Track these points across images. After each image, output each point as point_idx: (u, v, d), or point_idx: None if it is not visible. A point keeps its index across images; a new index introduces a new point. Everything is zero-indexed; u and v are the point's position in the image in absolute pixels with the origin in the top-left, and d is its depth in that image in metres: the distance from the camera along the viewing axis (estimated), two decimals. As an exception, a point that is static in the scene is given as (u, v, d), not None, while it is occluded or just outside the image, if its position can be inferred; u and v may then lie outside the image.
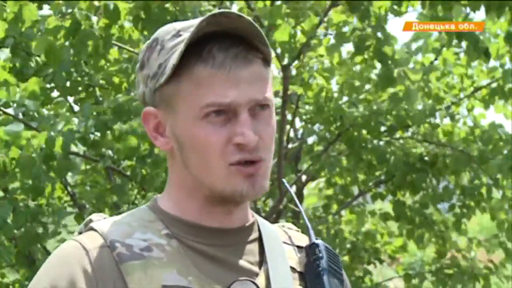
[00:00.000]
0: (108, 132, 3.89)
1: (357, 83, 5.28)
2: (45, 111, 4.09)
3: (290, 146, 5.88)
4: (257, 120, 1.34)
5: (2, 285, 4.80)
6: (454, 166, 5.49)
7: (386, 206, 6.39)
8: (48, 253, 4.97)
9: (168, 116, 1.36)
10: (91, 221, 1.40)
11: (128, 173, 4.44)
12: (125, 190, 4.43)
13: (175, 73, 1.33)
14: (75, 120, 3.75)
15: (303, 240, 1.49)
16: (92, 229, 1.37)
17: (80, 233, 1.40)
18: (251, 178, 1.33)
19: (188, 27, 1.36)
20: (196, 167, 1.35)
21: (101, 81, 4.47)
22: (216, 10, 1.34)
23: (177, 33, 1.36)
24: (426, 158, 5.53)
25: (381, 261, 6.20)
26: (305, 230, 1.51)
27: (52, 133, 3.55)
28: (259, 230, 1.44)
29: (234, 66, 1.31)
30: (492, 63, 5.77)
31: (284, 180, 1.68)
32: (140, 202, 4.36)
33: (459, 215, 5.85)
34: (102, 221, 1.39)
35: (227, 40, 1.33)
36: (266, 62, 1.37)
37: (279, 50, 4.10)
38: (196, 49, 1.32)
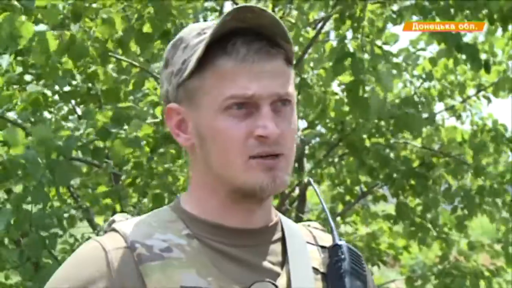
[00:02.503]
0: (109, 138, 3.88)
1: None
2: (47, 115, 4.07)
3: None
4: (279, 116, 1.33)
5: (6, 287, 4.82)
6: (449, 173, 5.51)
7: (388, 208, 6.39)
8: (54, 257, 4.99)
9: (191, 111, 1.36)
10: (114, 221, 1.40)
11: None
12: (124, 194, 4.44)
13: (198, 68, 1.34)
14: (71, 125, 3.75)
15: (327, 240, 1.49)
16: (114, 229, 1.37)
17: (105, 232, 1.40)
18: (272, 171, 1.32)
19: (212, 26, 1.36)
20: (216, 161, 1.35)
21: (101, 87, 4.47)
22: (241, 5, 1.34)
23: (202, 31, 1.37)
24: (426, 161, 5.54)
25: (384, 263, 6.20)
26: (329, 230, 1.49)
27: (52, 140, 3.55)
28: (282, 230, 1.43)
29: (257, 60, 1.32)
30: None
31: (311, 179, 1.65)
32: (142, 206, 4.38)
33: (461, 217, 5.85)
34: (124, 222, 1.39)
35: (250, 35, 1.33)
36: (288, 60, 1.37)
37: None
38: (220, 43, 1.32)
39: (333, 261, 1.43)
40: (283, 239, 1.42)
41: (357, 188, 5.94)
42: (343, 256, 1.42)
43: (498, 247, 6.09)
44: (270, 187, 1.33)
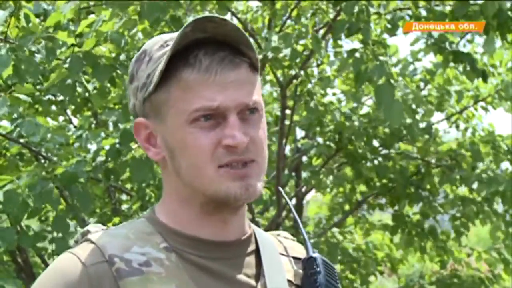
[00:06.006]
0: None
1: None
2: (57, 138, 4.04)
3: (289, 155, 5.90)
4: (247, 124, 1.33)
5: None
6: (443, 183, 5.52)
7: (385, 217, 6.40)
8: (46, 265, 4.96)
9: (159, 125, 1.36)
10: (88, 232, 1.38)
11: (128, 186, 4.43)
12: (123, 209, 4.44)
13: (163, 81, 1.33)
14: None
15: (299, 250, 1.49)
16: (89, 241, 1.35)
17: (76, 241, 1.39)
18: (244, 180, 1.32)
19: (175, 37, 1.34)
20: (187, 173, 1.34)
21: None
22: (201, 15, 1.33)
23: (165, 43, 1.37)
24: (422, 170, 5.56)
25: (381, 272, 6.20)
26: (302, 241, 1.49)
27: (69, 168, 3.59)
28: (256, 242, 1.43)
29: (220, 70, 1.31)
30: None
31: (280, 188, 1.65)
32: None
33: (458, 226, 5.85)
34: (99, 233, 1.37)
35: (213, 45, 1.32)
36: (253, 67, 1.36)
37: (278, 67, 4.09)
38: (183, 55, 1.32)
39: (308, 274, 1.43)
40: (257, 251, 1.42)
41: (354, 197, 5.95)
42: (318, 269, 1.43)
43: (495, 254, 6.09)
44: (244, 196, 1.32)
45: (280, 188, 1.63)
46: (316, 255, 1.45)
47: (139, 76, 1.37)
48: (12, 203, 3.43)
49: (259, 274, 1.40)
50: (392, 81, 3.94)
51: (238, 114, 1.32)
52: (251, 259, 1.40)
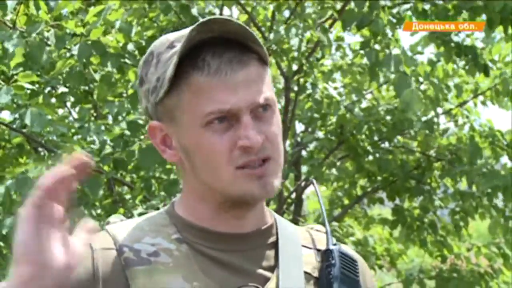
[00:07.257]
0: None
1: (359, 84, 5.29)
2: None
3: (290, 150, 5.89)
4: (261, 121, 1.33)
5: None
6: (443, 177, 5.53)
7: (384, 212, 6.40)
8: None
9: (173, 128, 1.36)
10: (108, 223, 1.41)
11: (128, 178, 4.42)
12: (126, 200, 4.42)
13: (173, 85, 1.33)
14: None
15: (325, 243, 1.47)
16: (105, 230, 1.38)
17: None
18: (261, 179, 1.32)
19: (181, 36, 1.35)
20: (205, 175, 1.35)
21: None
22: (205, 18, 1.31)
23: (171, 44, 1.36)
24: (422, 165, 5.57)
25: (380, 267, 6.20)
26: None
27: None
28: (277, 233, 1.43)
29: (229, 71, 1.30)
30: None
31: (313, 180, 1.62)
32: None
33: (458, 220, 5.86)
34: (116, 224, 1.40)
35: (220, 45, 1.32)
36: (262, 61, 1.36)
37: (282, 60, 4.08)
38: (191, 58, 1.32)
39: (324, 266, 1.42)
40: (277, 243, 1.42)
41: (354, 191, 5.95)
42: (333, 262, 1.42)
43: (494, 249, 6.09)
44: (262, 195, 1.33)
45: (313, 180, 1.61)
46: (333, 247, 1.43)
47: (149, 79, 1.36)
48: (24, 190, 3.43)
49: (275, 266, 1.39)
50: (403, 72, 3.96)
51: (251, 113, 1.32)
52: (269, 251, 1.40)
